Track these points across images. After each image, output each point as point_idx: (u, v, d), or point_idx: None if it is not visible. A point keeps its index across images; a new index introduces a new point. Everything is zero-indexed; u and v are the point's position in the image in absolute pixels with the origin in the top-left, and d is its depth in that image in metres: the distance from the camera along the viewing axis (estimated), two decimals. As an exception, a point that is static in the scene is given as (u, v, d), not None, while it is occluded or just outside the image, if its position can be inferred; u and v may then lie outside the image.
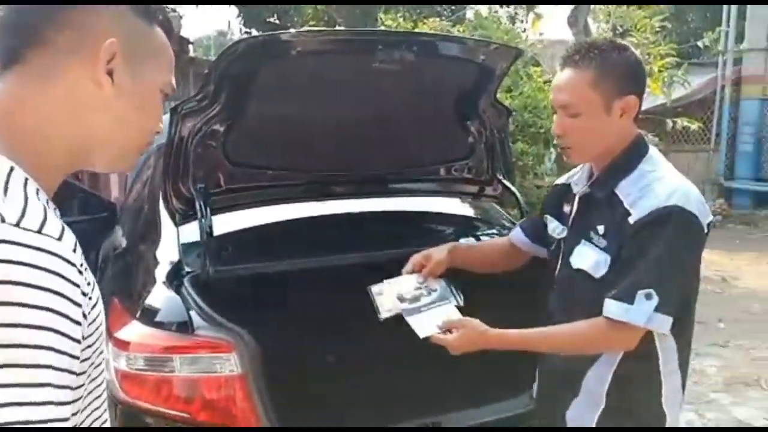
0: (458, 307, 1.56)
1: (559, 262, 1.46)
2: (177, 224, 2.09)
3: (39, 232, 0.62)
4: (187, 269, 1.98)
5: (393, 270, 1.70)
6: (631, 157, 1.34)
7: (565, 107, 1.32)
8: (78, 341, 0.63)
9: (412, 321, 1.48)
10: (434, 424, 1.94)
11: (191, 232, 2.04)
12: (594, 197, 1.38)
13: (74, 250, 0.66)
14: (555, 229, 1.51)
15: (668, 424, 1.38)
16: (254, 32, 13.72)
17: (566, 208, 1.48)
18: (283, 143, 2.16)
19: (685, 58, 6.30)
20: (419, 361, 1.80)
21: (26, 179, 0.67)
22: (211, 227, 1.98)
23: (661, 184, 1.28)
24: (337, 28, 9.46)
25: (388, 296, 1.59)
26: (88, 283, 0.70)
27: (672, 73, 5.91)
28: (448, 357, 1.46)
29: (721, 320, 4.97)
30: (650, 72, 5.72)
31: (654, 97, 6.19)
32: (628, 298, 1.24)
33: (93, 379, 0.74)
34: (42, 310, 0.59)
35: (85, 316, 0.66)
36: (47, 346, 0.59)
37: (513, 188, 2.41)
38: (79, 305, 0.63)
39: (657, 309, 1.23)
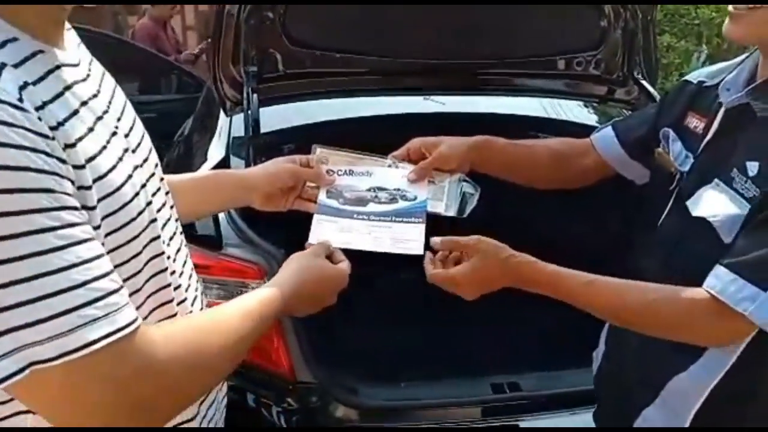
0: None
1: (671, 203, 0.99)
2: (228, 113, 1.89)
3: None
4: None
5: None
6: None
7: None
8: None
9: (316, 222, 1.00)
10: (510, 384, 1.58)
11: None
12: (752, 112, 0.89)
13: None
14: (678, 154, 1.00)
15: None
16: None
17: (694, 123, 0.99)
18: (356, 21, 1.84)
19: None
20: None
21: None
22: (257, 120, 1.72)
23: None
24: None
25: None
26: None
27: None
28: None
29: None
30: None
31: None
32: (759, 278, 0.80)
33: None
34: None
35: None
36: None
37: (654, 92, 1.93)
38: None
39: None
